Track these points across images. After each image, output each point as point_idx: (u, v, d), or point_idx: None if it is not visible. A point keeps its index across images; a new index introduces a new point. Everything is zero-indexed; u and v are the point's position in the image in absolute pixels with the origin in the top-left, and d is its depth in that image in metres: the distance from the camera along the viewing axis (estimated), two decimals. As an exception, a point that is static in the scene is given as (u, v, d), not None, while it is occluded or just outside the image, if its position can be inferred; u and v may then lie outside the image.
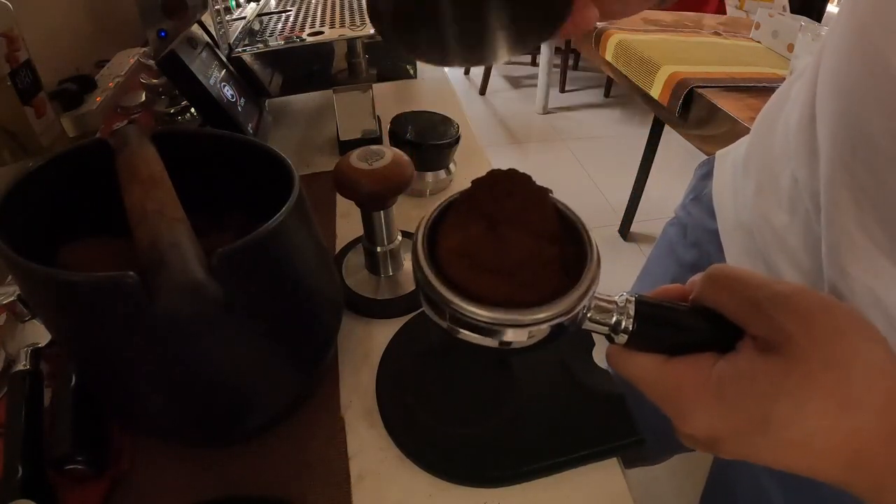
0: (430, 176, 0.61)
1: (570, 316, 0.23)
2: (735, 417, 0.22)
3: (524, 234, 0.24)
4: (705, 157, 0.56)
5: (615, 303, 0.25)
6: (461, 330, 0.24)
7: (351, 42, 0.62)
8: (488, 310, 0.23)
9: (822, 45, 0.36)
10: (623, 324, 0.25)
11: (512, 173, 0.26)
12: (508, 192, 0.25)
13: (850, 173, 0.30)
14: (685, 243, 0.56)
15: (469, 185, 0.27)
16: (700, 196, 0.55)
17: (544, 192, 0.26)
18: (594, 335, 0.42)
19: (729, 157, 0.51)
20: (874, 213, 0.29)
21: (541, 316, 0.23)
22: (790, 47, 1.22)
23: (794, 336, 0.21)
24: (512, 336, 0.24)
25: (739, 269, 0.24)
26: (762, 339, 0.22)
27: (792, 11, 1.34)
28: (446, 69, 0.95)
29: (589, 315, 0.25)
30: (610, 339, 0.26)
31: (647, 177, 1.81)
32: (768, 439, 0.21)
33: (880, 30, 0.27)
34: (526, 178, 0.26)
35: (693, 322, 0.25)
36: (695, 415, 0.23)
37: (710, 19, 1.57)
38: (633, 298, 0.25)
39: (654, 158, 1.75)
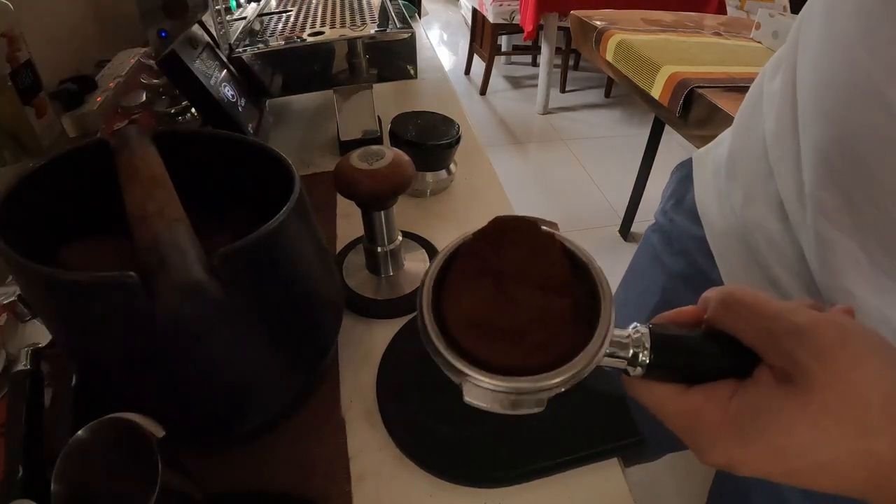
0: (430, 176, 0.61)
1: (588, 371, 0.23)
2: (753, 449, 0.22)
3: (533, 289, 0.24)
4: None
5: (630, 336, 0.25)
6: (475, 401, 0.23)
7: (351, 42, 0.61)
8: (506, 380, 0.22)
9: (795, 43, 0.35)
10: (640, 357, 0.24)
11: (515, 222, 0.25)
12: (513, 241, 0.25)
13: (849, 201, 0.30)
14: (671, 251, 0.54)
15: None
16: (682, 201, 0.53)
17: (550, 237, 0.25)
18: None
19: (708, 160, 0.49)
20: (880, 244, 0.29)
21: (558, 380, 0.22)
22: (790, 47, 1.22)
23: (812, 370, 0.21)
24: (531, 401, 0.23)
25: (753, 294, 0.24)
26: (780, 368, 0.22)
27: (792, 11, 1.34)
28: (446, 68, 0.95)
29: (606, 352, 0.24)
30: (626, 372, 0.25)
31: (647, 177, 1.80)
32: (785, 467, 0.22)
33: (869, 57, 0.27)
34: (530, 225, 0.25)
35: (709, 350, 0.25)
36: (714, 447, 0.23)
37: (710, 19, 1.57)
38: (647, 330, 0.25)
39: (654, 158, 1.75)
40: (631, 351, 0.24)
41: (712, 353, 0.25)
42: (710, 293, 0.26)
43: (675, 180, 0.56)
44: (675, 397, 0.25)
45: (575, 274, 0.26)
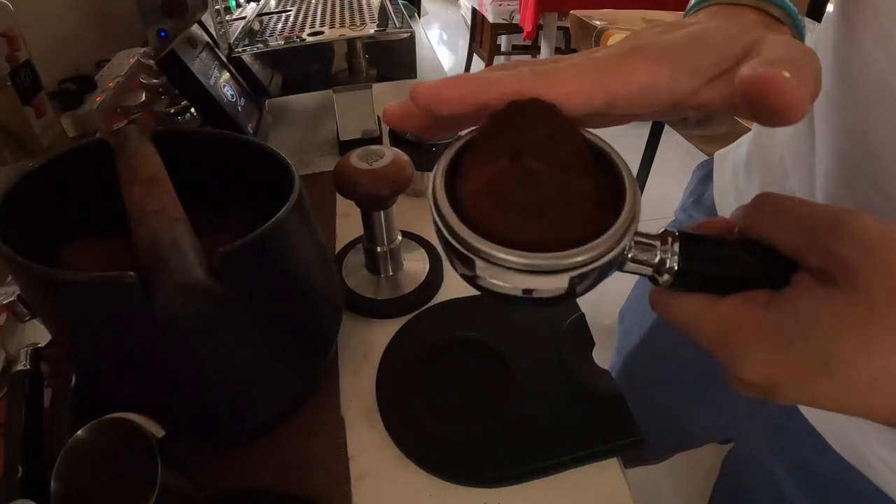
0: (430, 176, 0.61)
1: (611, 256, 0.21)
2: (796, 361, 0.20)
3: (553, 165, 0.22)
4: (705, 157, 0.57)
5: (657, 238, 0.23)
6: (492, 281, 0.22)
7: (351, 42, 0.62)
8: (523, 255, 0.20)
9: (814, 46, 0.36)
10: (668, 262, 0.23)
11: (534, 103, 0.24)
12: (531, 122, 0.23)
13: (855, 190, 0.30)
14: None
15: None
16: (701, 199, 0.54)
17: (571, 121, 0.24)
18: (594, 333, 0.42)
19: (729, 159, 0.50)
20: None
21: (580, 259, 0.20)
22: (790, 47, 1.22)
23: (856, 266, 0.19)
24: (550, 283, 0.21)
25: (788, 196, 0.22)
26: (819, 270, 0.20)
27: (792, 11, 1.34)
28: (445, 68, 0.95)
29: (630, 255, 0.23)
30: (654, 280, 0.24)
31: (647, 177, 1.80)
32: (831, 382, 0.19)
33: (878, 51, 0.27)
34: (550, 108, 0.24)
35: (742, 256, 0.23)
36: (751, 359, 0.21)
37: (710, 19, 1.57)
38: (677, 233, 0.23)
39: (654, 158, 1.75)
40: (658, 256, 0.23)
41: (746, 260, 0.23)
42: (743, 206, 0.24)
43: (695, 179, 0.57)
44: (706, 308, 0.23)
45: (597, 164, 0.24)
